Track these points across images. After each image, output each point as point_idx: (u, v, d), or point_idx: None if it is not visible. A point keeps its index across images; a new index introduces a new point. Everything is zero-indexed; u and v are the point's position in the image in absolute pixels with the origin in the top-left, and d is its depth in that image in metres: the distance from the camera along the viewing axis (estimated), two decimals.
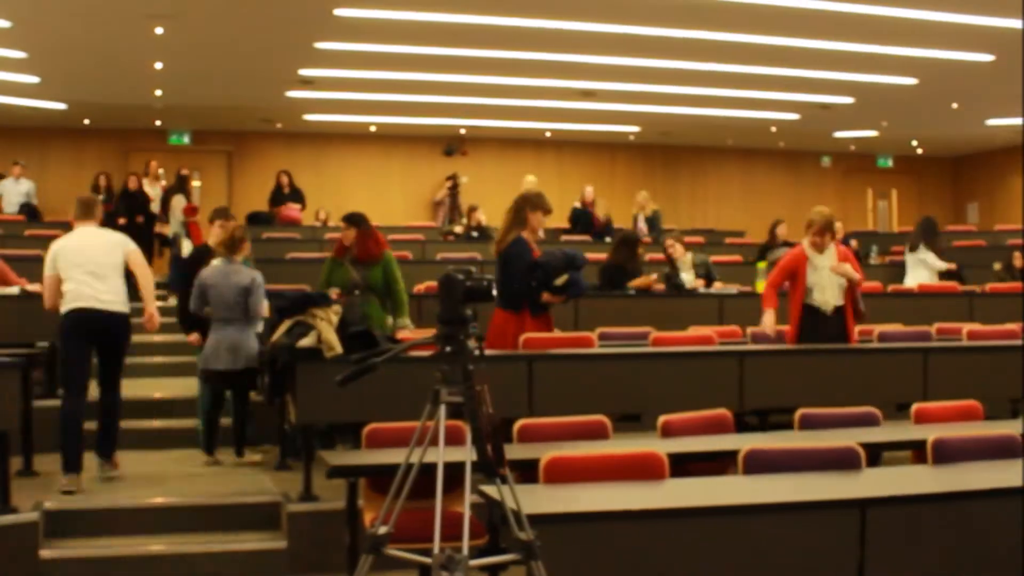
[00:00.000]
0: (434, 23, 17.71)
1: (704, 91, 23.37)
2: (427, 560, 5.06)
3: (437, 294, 4.91)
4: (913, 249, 18.48)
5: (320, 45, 19.43)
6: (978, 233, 25.95)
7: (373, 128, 29.11)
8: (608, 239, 20.37)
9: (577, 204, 23.81)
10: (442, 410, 4.96)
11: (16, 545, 8.80)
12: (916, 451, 7.79)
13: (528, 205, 11.25)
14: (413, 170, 30.42)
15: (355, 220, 12.65)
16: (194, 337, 12.53)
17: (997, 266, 20.00)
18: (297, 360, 9.89)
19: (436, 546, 4.69)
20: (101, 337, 10.51)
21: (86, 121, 27.58)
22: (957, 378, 10.90)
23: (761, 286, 13.90)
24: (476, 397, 4.85)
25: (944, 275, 18.26)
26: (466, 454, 5.07)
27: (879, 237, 26.54)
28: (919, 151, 33.25)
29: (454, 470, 5.25)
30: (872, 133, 29.60)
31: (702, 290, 15.54)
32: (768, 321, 11.33)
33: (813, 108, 25.54)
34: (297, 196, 25.32)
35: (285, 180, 25.33)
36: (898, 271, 19.40)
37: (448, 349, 4.78)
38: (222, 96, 24.26)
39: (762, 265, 13.76)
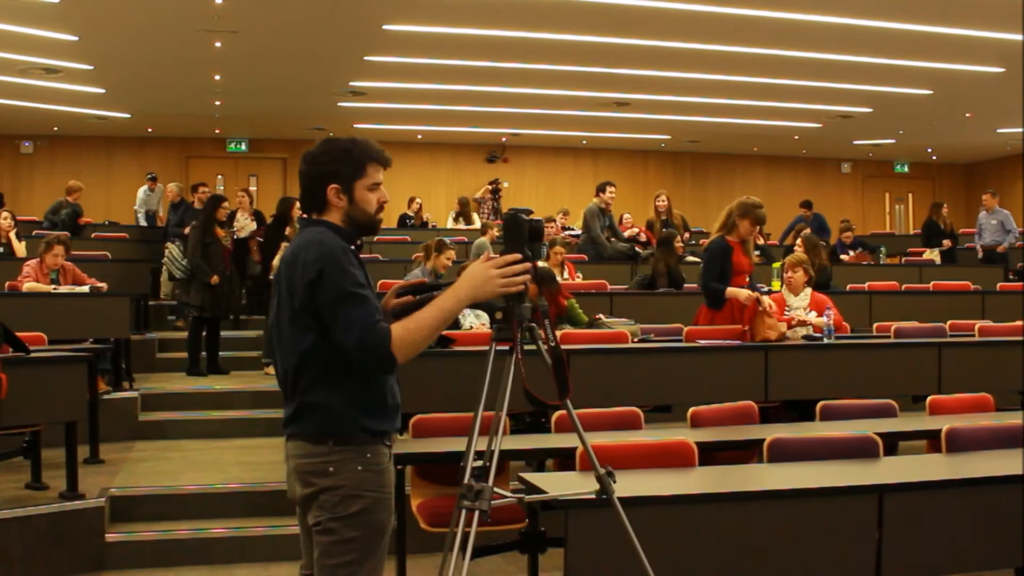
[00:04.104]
0: (477, 37, 17.72)
1: (731, 101, 23.32)
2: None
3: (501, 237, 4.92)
4: None
5: (370, 58, 19.46)
6: None
7: (420, 136, 29.13)
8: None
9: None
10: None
11: (83, 529, 8.85)
12: (931, 441, 7.77)
13: (737, 211, 11.11)
14: (457, 176, 30.50)
15: (540, 277, 11.99)
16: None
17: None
18: None
19: (466, 476, 4.69)
20: None
21: (149, 129, 27.71)
22: (970, 372, 10.86)
23: (777, 285, 13.88)
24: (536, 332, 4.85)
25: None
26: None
27: (896, 239, 26.52)
28: (934, 158, 33.15)
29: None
30: (890, 141, 29.52)
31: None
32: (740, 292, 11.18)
33: (834, 117, 25.48)
34: None
35: None
36: (909, 271, 19.47)
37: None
38: (277, 106, 24.32)
39: (776, 265, 13.73)
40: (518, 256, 4.64)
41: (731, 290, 11.00)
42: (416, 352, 4.57)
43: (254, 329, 17.14)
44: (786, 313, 11.38)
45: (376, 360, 4.49)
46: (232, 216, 17.82)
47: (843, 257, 20.57)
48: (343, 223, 4.77)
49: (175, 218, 20.10)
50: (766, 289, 12.07)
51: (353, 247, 4.75)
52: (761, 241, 19.06)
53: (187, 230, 16.64)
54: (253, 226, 18.21)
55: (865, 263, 20.42)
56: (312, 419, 4.63)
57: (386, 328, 4.50)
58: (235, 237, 17.33)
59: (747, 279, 11.29)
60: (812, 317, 11.27)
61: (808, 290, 11.61)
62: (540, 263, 12.89)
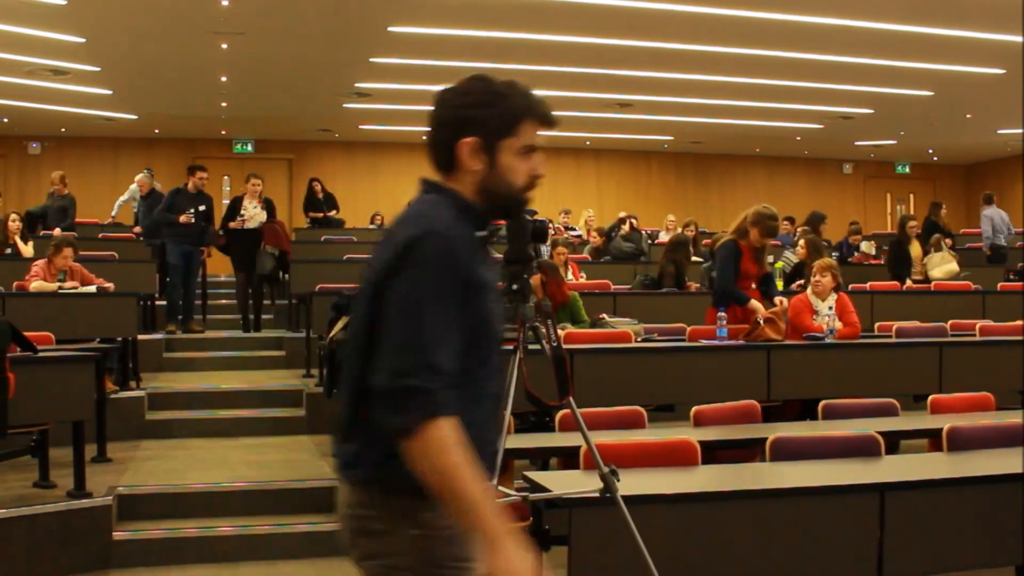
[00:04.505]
0: (481, 39, 17.73)
1: (733, 103, 23.33)
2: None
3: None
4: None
5: (375, 60, 19.48)
6: None
7: (425, 137, 29.06)
8: None
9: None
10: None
11: (91, 527, 8.86)
12: (932, 439, 7.80)
13: (751, 218, 11.21)
14: None
15: (542, 266, 11.82)
16: None
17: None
18: None
19: None
20: None
21: (156, 131, 27.75)
22: (970, 371, 10.87)
23: (780, 284, 13.90)
24: (540, 331, 4.78)
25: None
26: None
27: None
28: (935, 158, 33.15)
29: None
30: (891, 142, 29.52)
31: None
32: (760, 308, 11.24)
33: (835, 118, 25.49)
34: (331, 201, 25.08)
35: (318, 187, 24.78)
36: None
37: (515, 287, 4.70)
38: (283, 107, 24.33)
39: (779, 265, 13.73)
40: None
41: (754, 304, 11.07)
42: (436, 482, 3.15)
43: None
44: (815, 320, 11.38)
45: (409, 420, 3.14)
46: (237, 203, 17.78)
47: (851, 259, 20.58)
48: (475, 195, 3.54)
49: (145, 207, 20.26)
50: (780, 290, 12.09)
51: (482, 234, 3.50)
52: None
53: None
54: (263, 216, 17.72)
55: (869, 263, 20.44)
56: (364, 458, 3.41)
57: (448, 398, 3.19)
58: (243, 227, 17.32)
59: (752, 284, 11.34)
60: (838, 324, 11.27)
61: (834, 295, 11.60)
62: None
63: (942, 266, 18.48)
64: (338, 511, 3.55)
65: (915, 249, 18.82)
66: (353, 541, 3.44)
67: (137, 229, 20.77)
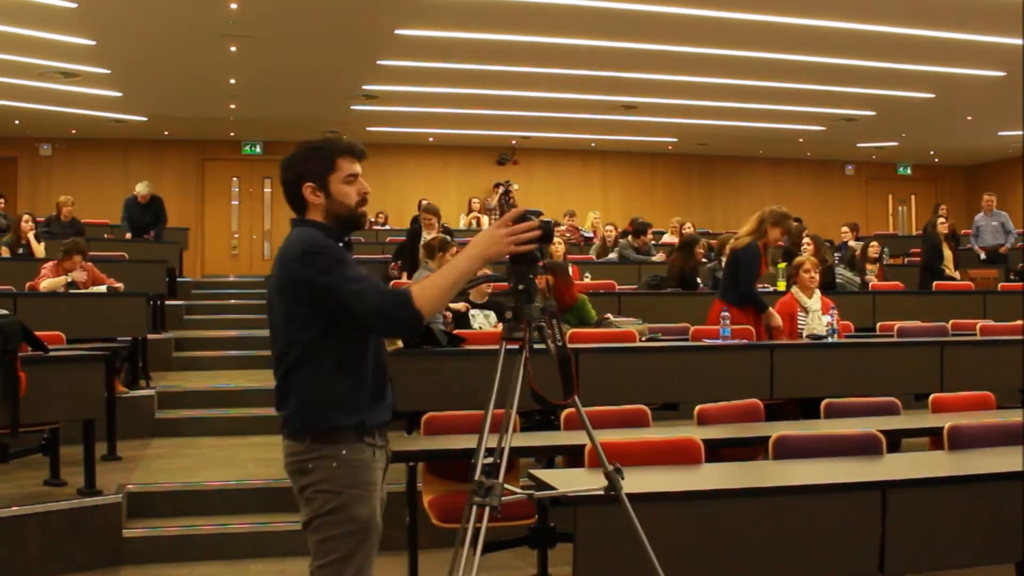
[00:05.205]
0: (488, 42, 17.73)
1: (737, 105, 23.33)
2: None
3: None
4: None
5: (382, 62, 19.48)
6: None
7: (431, 139, 29.16)
8: None
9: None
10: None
11: (101, 524, 8.87)
12: (933, 438, 7.79)
13: (770, 219, 11.28)
14: (468, 177, 30.48)
15: (553, 268, 11.68)
16: None
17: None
18: None
19: (477, 473, 4.67)
20: None
21: (165, 132, 27.74)
22: (971, 370, 10.86)
23: (783, 285, 13.91)
24: (546, 331, 4.79)
25: None
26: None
27: (898, 239, 26.52)
28: (936, 160, 33.12)
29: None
30: (892, 143, 29.50)
31: None
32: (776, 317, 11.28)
33: (838, 120, 25.49)
34: None
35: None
36: (911, 271, 19.45)
37: (520, 287, 4.71)
38: (292, 109, 24.33)
39: (782, 266, 13.74)
40: (522, 212, 4.62)
41: (772, 312, 11.11)
42: (439, 306, 4.71)
43: None
44: (801, 320, 11.37)
45: (403, 317, 4.48)
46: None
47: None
48: (326, 219, 4.76)
49: (148, 216, 20.44)
50: (771, 289, 12.10)
51: (341, 244, 4.75)
52: None
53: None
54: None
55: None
56: (293, 417, 4.64)
57: (404, 289, 4.51)
58: None
59: (761, 284, 11.40)
60: (826, 321, 11.27)
61: (818, 292, 11.61)
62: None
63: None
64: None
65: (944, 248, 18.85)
66: (293, 479, 4.70)
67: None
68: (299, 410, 4.61)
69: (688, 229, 19.48)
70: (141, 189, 20.89)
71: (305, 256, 4.55)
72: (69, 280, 13.63)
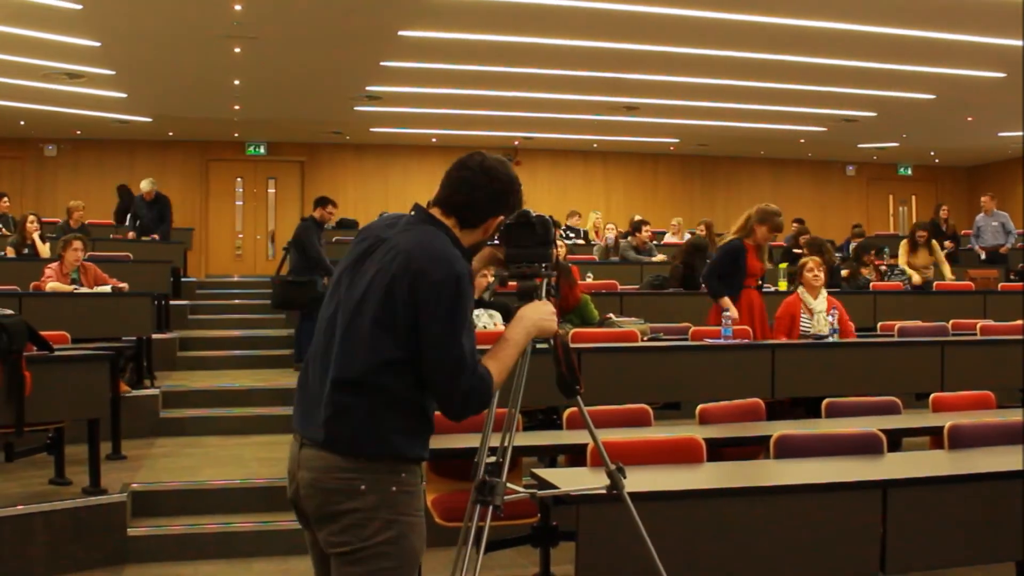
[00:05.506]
0: (491, 43, 17.71)
1: (739, 106, 23.30)
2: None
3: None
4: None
5: (386, 63, 19.46)
6: None
7: (434, 139, 29.13)
8: None
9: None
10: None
11: (106, 523, 8.89)
12: (934, 437, 7.80)
13: (756, 217, 11.39)
14: None
15: (559, 270, 11.52)
16: None
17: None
18: None
19: (480, 472, 4.66)
20: None
21: (170, 133, 27.73)
22: (971, 370, 10.88)
23: (784, 285, 13.92)
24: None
25: None
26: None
27: (900, 240, 26.49)
28: (936, 161, 33.09)
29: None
30: (893, 144, 29.46)
31: None
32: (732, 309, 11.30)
33: (839, 121, 25.45)
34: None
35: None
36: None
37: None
38: (295, 110, 24.32)
39: (783, 266, 13.73)
40: (522, 212, 4.60)
41: (726, 301, 11.19)
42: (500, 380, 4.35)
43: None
44: (803, 323, 11.37)
45: (480, 407, 4.19)
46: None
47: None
48: (464, 243, 4.41)
49: (153, 212, 20.49)
50: (772, 289, 12.10)
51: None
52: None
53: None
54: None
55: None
56: (349, 430, 4.13)
57: (487, 372, 4.17)
58: None
59: (757, 281, 11.37)
60: (829, 321, 11.27)
61: (824, 292, 11.60)
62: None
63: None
64: (299, 478, 4.31)
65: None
66: (330, 499, 4.17)
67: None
68: (360, 427, 4.10)
69: (701, 231, 19.46)
70: (145, 186, 20.97)
71: (447, 285, 4.12)
72: (74, 277, 13.62)
